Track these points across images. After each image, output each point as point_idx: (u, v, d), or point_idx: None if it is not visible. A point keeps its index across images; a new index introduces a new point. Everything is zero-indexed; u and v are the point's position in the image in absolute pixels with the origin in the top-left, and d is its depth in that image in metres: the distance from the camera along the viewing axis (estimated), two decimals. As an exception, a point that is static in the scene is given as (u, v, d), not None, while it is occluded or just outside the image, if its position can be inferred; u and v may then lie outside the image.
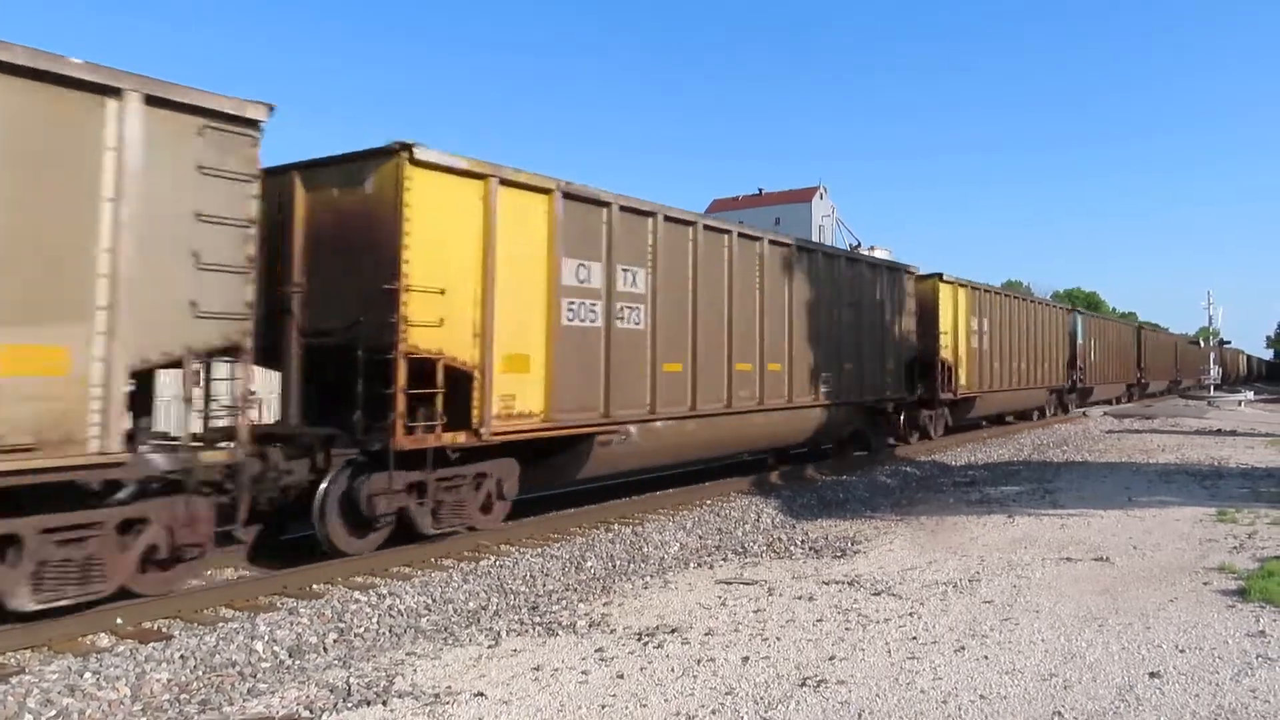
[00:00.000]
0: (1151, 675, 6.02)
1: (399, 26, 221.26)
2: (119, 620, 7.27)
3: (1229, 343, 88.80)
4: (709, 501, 13.46)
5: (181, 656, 6.58)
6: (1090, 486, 15.53)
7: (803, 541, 11.04)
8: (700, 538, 11.29)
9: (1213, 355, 58.03)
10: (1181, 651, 6.51)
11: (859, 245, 28.31)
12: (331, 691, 5.90)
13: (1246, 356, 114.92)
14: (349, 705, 5.67)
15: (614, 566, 9.85)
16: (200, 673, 6.41)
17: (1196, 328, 72.57)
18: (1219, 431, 27.94)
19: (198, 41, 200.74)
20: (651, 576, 9.34)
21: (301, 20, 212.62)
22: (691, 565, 9.91)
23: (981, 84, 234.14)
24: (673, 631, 7.19)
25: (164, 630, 7.22)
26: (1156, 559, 9.63)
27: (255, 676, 6.39)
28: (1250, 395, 53.00)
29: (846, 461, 17.93)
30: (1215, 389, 56.04)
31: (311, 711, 5.59)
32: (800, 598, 8.22)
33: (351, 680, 6.09)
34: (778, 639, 6.94)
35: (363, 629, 7.52)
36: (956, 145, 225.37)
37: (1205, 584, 8.49)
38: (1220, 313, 48.66)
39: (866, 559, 9.94)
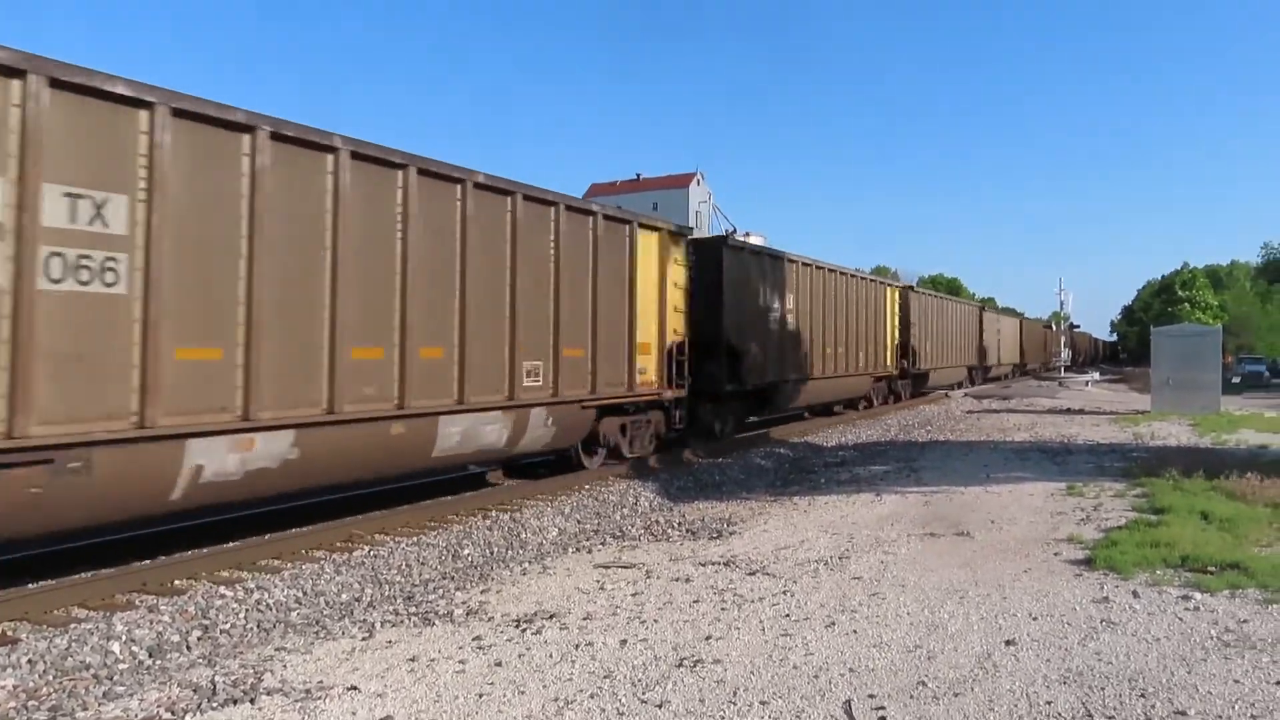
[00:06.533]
0: (1008, 643, 6.34)
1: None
2: (-43, 625, 6.79)
3: (1078, 326, 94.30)
4: (587, 486, 13.48)
5: (29, 661, 6.20)
6: (952, 464, 16.24)
7: (680, 524, 11.18)
8: (579, 522, 11.30)
9: (1063, 338, 61.45)
10: (1035, 619, 6.88)
11: (734, 231, 28.58)
12: (195, 691, 5.66)
13: (1093, 339, 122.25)
14: (214, 705, 5.45)
15: (492, 553, 9.76)
16: (50, 677, 6.05)
17: (1050, 312, 76.70)
18: (1069, 410, 29.64)
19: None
20: (530, 562, 9.31)
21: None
22: (570, 550, 9.91)
23: (851, 77, 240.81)
24: (551, 617, 7.18)
25: (9, 634, 6.78)
26: (1012, 532, 10.15)
27: (112, 679, 6.07)
28: (1096, 376, 56.40)
29: (723, 444, 18.19)
30: (1065, 370, 59.41)
31: (174, 713, 5.34)
32: (677, 579, 8.33)
33: (217, 679, 5.85)
34: (655, 621, 7.02)
35: (229, 625, 7.24)
36: (828, 136, 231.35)
37: (1056, 554, 9.00)
38: (1070, 298, 51.40)
39: (742, 539, 10.14)
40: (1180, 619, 6.82)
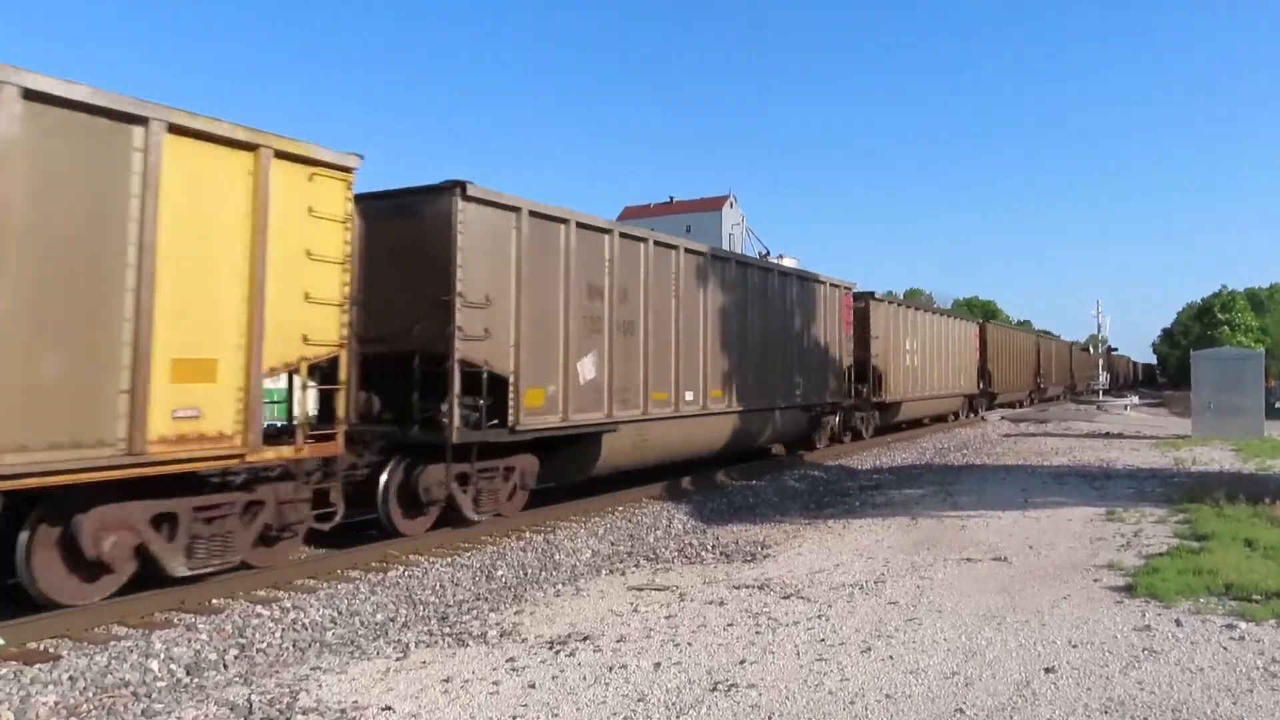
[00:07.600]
0: (1047, 671, 6.24)
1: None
2: (1, 641, 6.90)
3: (1116, 349, 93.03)
4: (621, 508, 13.47)
5: (70, 677, 6.29)
6: (989, 488, 16.05)
7: (714, 546, 11.14)
8: (612, 544, 11.29)
9: (1101, 361, 60.65)
10: (1074, 647, 6.77)
11: (767, 254, 28.48)
12: (232, 710, 5.71)
13: (1131, 362, 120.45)
14: (250, 724, 5.49)
15: (525, 575, 9.78)
16: (91, 694, 6.14)
17: (1087, 335, 75.79)
18: (1107, 434, 29.22)
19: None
20: (563, 584, 9.31)
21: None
22: (604, 572, 9.90)
23: (881, 100, 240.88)
24: (585, 639, 7.17)
25: (51, 650, 6.88)
26: (1051, 558, 10.00)
27: (150, 696, 6.14)
28: (1135, 399, 55.53)
29: (756, 467, 18.11)
30: (1104, 394, 58.57)
31: (211, 731, 5.39)
32: (711, 602, 8.29)
33: (253, 698, 5.90)
34: (689, 644, 6.98)
35: (265, 644, 7.29)
36: (864, 160, 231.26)
37: (1095, 581, 8.86)
38: (1107, 321, 50.72)
39: (776, 563, 10.07)
40: (1225, 648, 6.68)
